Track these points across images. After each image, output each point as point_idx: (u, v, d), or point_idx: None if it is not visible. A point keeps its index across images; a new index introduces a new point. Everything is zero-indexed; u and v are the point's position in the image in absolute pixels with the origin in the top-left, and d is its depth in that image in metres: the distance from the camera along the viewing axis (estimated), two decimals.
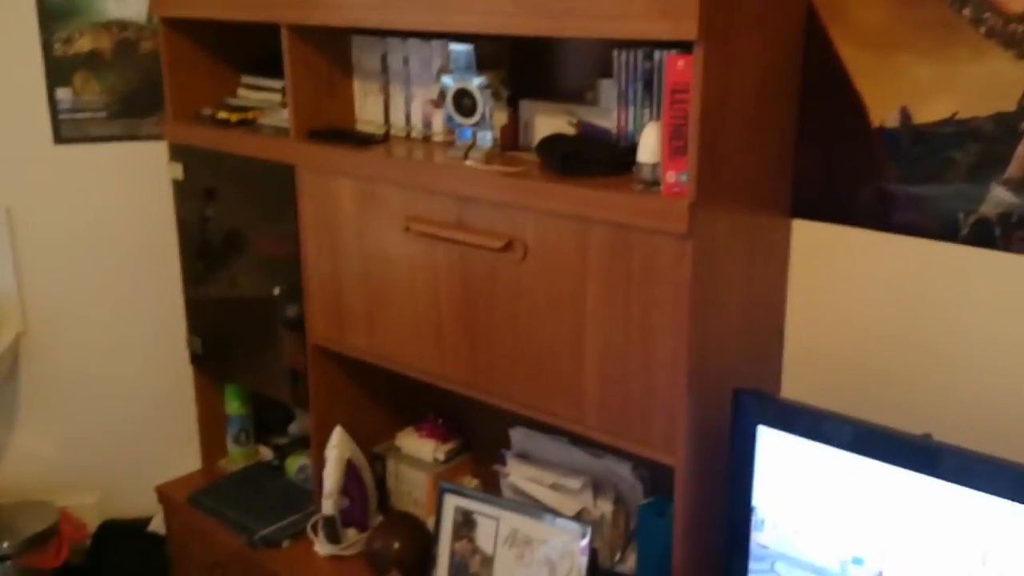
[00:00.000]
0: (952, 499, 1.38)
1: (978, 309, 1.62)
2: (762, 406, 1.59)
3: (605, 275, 1.65)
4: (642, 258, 1.60)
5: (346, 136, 2.07)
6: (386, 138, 2.07)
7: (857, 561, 1.50)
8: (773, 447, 1.57)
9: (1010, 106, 1.52)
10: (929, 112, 1.61)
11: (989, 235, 1.58)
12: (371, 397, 2.31)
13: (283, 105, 2.20)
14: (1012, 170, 1.54)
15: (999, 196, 1.56)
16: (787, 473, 1.56)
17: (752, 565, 1.62)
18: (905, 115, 1.64)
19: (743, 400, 1.60)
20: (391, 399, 2.34)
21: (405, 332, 1.98)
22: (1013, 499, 1.33)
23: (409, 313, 1.96)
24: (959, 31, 1.55)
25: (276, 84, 2.24)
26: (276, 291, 2.19)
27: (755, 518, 1.61)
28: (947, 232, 1.62)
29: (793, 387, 1.85)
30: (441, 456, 2.26)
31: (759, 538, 1.61)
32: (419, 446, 2.28)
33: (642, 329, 1.62)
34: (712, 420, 1.65)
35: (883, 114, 1.66)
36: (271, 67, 2.20)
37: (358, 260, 2.03)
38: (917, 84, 1.61)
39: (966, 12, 1.53)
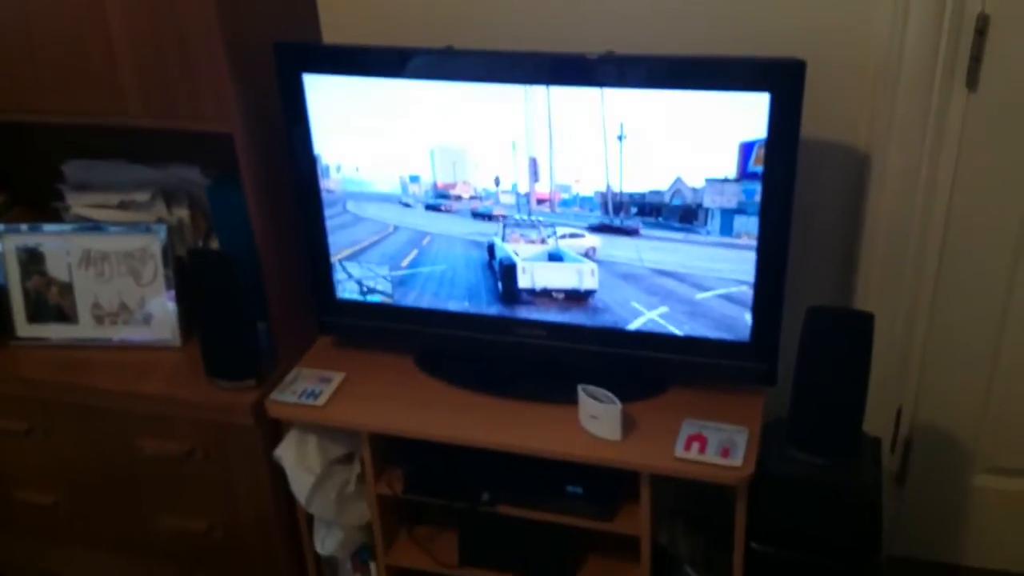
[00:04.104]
0: (476, 96, 1.54)
1: None
2: (304, 54, 1.62)
3: None
4: None
5: None
6: None
7: (414, 179, 1.64)
8: (323, 93, 1.62)
9: None
10: None
11: None
12: None
13: None
14: None
15: None
16: (340, 115, 1.63)
17: (326, 212, 1.71)
18: None
19: (283, 51, 1.61)
20: None
21: None
22: (534, 83, 1.51)
23: None
24: None
25: None
26: None
27: (320, 166, 1.68)
28: None
29: (335, 34, 1.87)
30: None
31: (327, 185, 1.69)
32: None
33: (170, 4, 1.55)
34: (263, 84, 1.65)
35: None
36: None
37: None
38: None
39: None
